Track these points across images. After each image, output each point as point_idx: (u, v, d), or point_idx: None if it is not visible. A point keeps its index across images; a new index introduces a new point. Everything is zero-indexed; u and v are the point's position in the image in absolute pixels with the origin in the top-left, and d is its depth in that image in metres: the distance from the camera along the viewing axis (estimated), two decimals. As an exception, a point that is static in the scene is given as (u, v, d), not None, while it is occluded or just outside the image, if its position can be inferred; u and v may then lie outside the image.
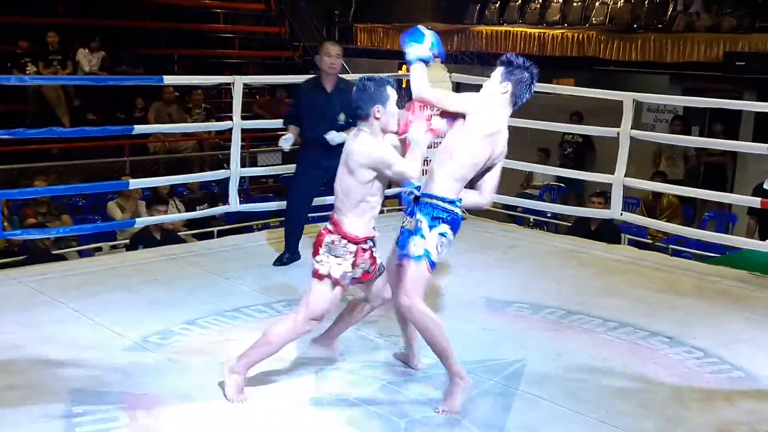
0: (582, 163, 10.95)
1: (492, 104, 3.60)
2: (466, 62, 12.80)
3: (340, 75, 5.44)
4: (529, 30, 13.35)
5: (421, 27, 3.69)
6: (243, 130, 6.37)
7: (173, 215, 7.08)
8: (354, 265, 3.42)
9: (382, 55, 15.45)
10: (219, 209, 6.84)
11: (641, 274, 5.58)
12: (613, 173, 6.10)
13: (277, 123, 9.49)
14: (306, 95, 5.44)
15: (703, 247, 6.97)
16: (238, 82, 6.19)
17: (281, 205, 7.31)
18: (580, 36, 12.52)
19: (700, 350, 4.21)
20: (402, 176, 3.40)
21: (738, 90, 10.61)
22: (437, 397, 3.59)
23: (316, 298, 3.46)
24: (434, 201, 3.48)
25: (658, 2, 12.82)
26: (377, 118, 3.35)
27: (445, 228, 3.49)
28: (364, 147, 3.35)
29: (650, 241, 7.74)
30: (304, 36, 14.58)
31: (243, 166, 6.56)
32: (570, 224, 7.92)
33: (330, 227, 3.43)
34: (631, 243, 7.45)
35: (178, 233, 7.10)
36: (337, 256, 3.39)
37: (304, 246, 5.38)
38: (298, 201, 5.57)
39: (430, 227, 3.47)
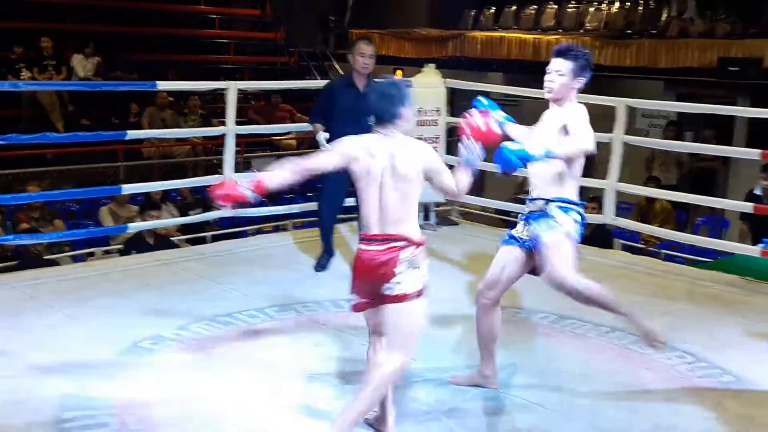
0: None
1: (581, 107, 3.55)
2: (462, 68, 12.84)
3: (370, 76, 5.44)
4: (524, 36, 13.37)
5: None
6: (237, 136, 6.37)
7: (166, 220, 7.07)
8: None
9: (378, 60, 15.42)
10: (212, 214, 6.83)
11: (634, 279, 5.58)
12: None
13: (272, 128, 9.63)
14: (338, 93, 5.43)
15: (695, 252, 6.98)
16: (232, 88, 6.20)
17: (275, 210, 7.35)
18: (575, 41, 12.53)
19: (691, 355, 4.21)
20: (450, 187, 3.15)
21: (731, 96, 10.64)
22: (429, 401, 3.60)
23: (410, 326, 3.10)
24: (566, 204, 3.52)
25: (652, 8, 12.86)
26: (402, 120, 3.16)
27: (576, 216, 3.53)
28: (423, 149, 3.16)
29: (643, 246, 7.75)
30: (299, 41, 14.61)
31: (237, 171, 6.56)
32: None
33: (397, 244, 3.06)
34: (624, 248, 7.45)
35: (171, 238, 7.09)
36: (417, 268, 3.10)
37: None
38: (330, 201, 5.52)
39: (565, 212, 3.50)
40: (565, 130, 3.45)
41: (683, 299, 5.14)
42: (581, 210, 3.57)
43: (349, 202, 5.70)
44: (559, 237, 3.47)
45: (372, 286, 3.11)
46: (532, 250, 3.56)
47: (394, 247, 3.07)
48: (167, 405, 3.53)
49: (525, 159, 3.25)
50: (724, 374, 3.99)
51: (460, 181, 3.17)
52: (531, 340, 4.40)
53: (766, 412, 3.59)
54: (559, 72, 3.52)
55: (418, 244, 3.10)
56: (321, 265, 5.57)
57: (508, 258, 3.62)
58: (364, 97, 5.30)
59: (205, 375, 3.86)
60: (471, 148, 3.19)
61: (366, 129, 5.44)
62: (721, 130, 10.07)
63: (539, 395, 3.69)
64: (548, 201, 3.54)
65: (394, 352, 3.09)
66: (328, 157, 3.21)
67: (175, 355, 4.08)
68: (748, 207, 6.12)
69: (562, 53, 3.53)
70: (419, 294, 3.10)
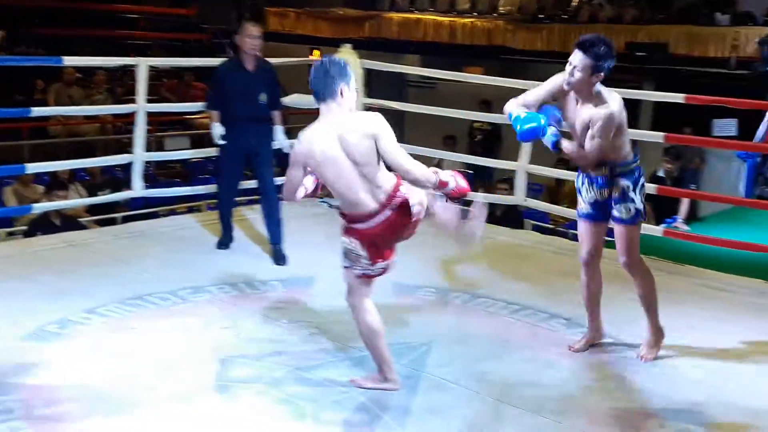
0: (491, 150, 11.15)
1: (605, 97, 3.69)
2: (379, 49, 12.86)
3: (259, 55, 5.52)
4: (439, 18, 13.49)
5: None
6: (149, 114, 6.22)
7: (74, 201, 6.87)
8: None
9: (294, 39, 15.32)
10: (122, 194, 6.67)
11: (543, 258, 5.72)
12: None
13: (184, 106, 9.43)
14: (227, 76, 5.50)
15: (602, 232, 7.18)
16: (142, 64, 6.05)
17: (188, 190, 7.22)
18: (489, 25, 12.71)
19: (597, 331, 4.35)
20: (403, 158, 3.29)
21: (638, 80, 10.98)
22: (343, 381, 3.61)
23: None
24: (629, 167, 3.84)
25: (563, -8, 13.14)
26: (343, 97, 3.29)
27: (641, 180, 3.91)
28: (366, 118, 3.31)
29: (552, 227, 7.95)
30: (212, 18, 14.34)
31: (149, 150, 6.41)
32: (477, 210, 8.04)
33: (402, 195, 3.33)
34: (534, 228, 7.63)
35: (80, 219, 6.89)
36: (418, 201, 3.39)
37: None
38: (229, 182, 5.65)
39: (634, 187, 3.84)
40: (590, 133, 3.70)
41: (590, 277, 5.29)
42: (636, 164, 3.90)
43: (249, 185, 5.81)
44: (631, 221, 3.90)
45: (396, 240, 3.43)
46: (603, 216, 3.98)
47: (401, 203, 3.31)
48: (76, 389, 3.44)
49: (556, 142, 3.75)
50: (627, 349, 4.14)
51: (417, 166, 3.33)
52: (445, 319, 4.46)
53: (667, 385, 3.75)
54: (576, 68, 3.59)
55: (398, 188, 3.32)
56: (224, 245, 5.61)
57: (588, 231, 4.08)
58: (254, 76, 5.46)
59: (115, 358, 3.78)
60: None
61: (258, 108, 5.65)
62: (627, 113, 10.38)
63: (453, 373, 3.75)
64: (613, 166, 3.84)
65: None
66: (298, 175, 3.38)
67: (84, 339, 3.98)
68: (651, 188, 6.33)
69: (580, 47, 3.58)
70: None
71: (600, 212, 3.99)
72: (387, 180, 3.32)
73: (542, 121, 3.70)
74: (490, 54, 12.63)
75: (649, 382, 3.77)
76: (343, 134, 3.25)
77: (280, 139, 5.58)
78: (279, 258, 5.31)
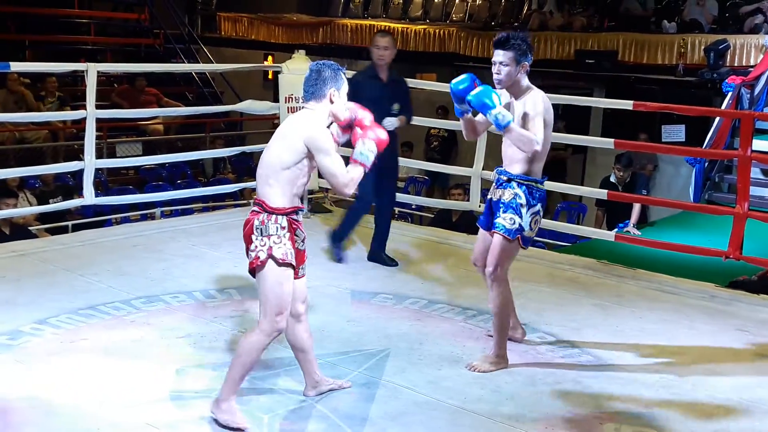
0: (448, 156, 11.22)
1: (535, 90, 3.79)
2: (332, 55, 12.86)
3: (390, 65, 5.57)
4: (392, 24, 13.53)
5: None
6: (100, 120, 6.14)
7: (23, 209, 6.73)
8: (293, 240, 3.19)
9: (247, 45, 15.24)
10: (73, 202, 6.55)
11: (499, 264, 5.76)
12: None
13: (135, 112, 9.31)
14: (363, 85, 5.46)
15: (555, 237, 7.29)
16: (91, 70, 5.95)
17: (141, 198, 7.15)
18: (442, 32, 12.80)
19: (552, 335, 4.40)
20: (331, 175, 3.16)
21: (588, 87, 11.16)
22: (300, 390, 3.59)
23: (269, 291, 3.16)
24: (533, 183, 3.83)
25: (513, 1, 13.31)
26: (332, 102, 3.27)
27: (538, 206, 3.85)
28: (305, 123, 3.18)
29: (507, 232, 8.01)
30: (165, 23, 14.17)
31: (101, 157, 6.31)
32: (433, 216, 8.10)
33: (255, 209, 3.18)
34: (490, 233, 7.68)
35: (29, 228, 6.76)
36: (271, 235, 3.14)
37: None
38: (368, 188, 5.42)
39: (527, 206, 3.80)
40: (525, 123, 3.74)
41: (544, 282, 5.36)
42: (541, 186, 3.89)
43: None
44: (510, 234, 3.83)
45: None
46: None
47: (253, 211, 3.20)
48: (27, 402, 3.38)
49: (488, 107, 3.57)
50: (583, 354, 4.20)
51: (350, 173, 3.20)
52: (402, 325, 4.47)
53: (622, 388, 3.81)
54: (503, 63, 3.75)
55: (271, 212, 3.16)
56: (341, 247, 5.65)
57: (481, 237, 4.14)
58: (387, 87, 5.54)
59: (68, 370, 3.71)
60: (368, 145, 3.27)
61: (391, 116, 5.45)
62: (579, 120, 10.56)
63: (410, 380, 3.76)
64: (512, 178, 3.87)
65: (259, 319, 3.22)
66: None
67: (35, 351, 3.90)
68: (602, 194, 6.45)
69: (501, 44, 3.75)
70: (276, 261, 3.14)
71: (488, 218, 4.03)
72: (270, 189, 3.16)
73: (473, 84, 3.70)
74: (443, 60, 12.72)
75: (604, 385, 3.82)
76: (289, 121, 3.23)
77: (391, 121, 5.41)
78: (389, 261, 5.53)
